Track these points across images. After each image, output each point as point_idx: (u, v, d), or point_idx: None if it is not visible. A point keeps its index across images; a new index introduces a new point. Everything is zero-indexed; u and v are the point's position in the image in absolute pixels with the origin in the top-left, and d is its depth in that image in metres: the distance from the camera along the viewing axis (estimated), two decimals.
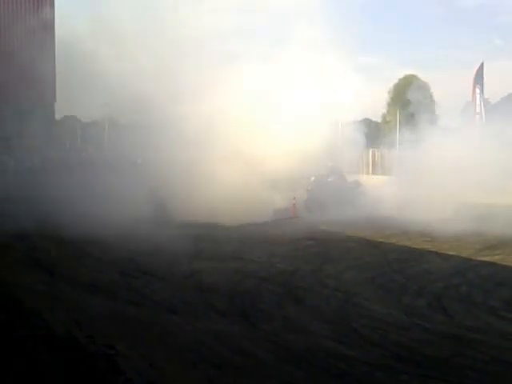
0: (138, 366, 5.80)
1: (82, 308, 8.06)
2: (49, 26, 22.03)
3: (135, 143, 18.34)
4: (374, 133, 31.34)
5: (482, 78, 29.99)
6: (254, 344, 6.76)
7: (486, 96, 30.56)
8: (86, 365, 5.75)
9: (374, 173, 32.20)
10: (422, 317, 8.09)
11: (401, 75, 41.26)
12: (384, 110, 40.68)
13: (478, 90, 29.61)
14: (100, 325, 7.19)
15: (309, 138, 17.69)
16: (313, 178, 20.61)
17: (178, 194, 16.21)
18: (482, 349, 6.79)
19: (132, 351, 6.17)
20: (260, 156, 17.45)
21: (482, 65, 29.78)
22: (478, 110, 29.86)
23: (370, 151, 32.16)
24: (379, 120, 39.92)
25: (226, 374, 5.84)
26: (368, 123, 32.20)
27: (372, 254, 12.74)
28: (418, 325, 7.72)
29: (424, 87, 39.31)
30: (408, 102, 30.54)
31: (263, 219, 17.17)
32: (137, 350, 6.22)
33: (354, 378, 5.88)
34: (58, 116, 28.32)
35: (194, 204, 15.89)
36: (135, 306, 8.24)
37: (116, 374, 5.51)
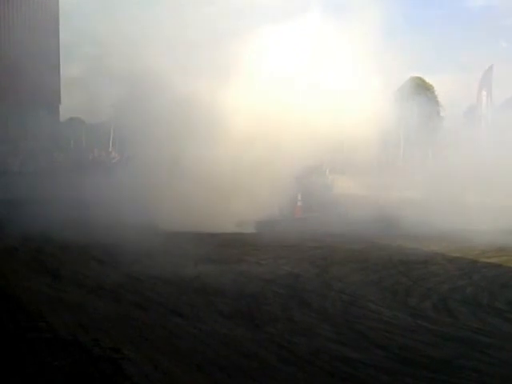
0: (144, 370, 5.79)
1: (86, 311, 8.04)
2: (53, 27, 22.01)
3: (141, 143, 18.17)
4: None
5: (491, 80, 29.76)
6: (258, 346, 6.75)
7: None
8: (91, 368, 5.74)
9: (379, 174, 32.11)
10: (427, 319, 8.07)
11: (406, 77, 41.25)
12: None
13: (484, 93, 29.43)
14: (105, 328, 7.18)
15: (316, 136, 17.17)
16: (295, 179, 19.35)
17: (181, 194, 16.07)
18: (487, 351, 6.77)
19: (137, 354, 6.16)
20: (265, 155, 17.04)
21: (491, 67, 29.54)
22: (483, 112, 29.72)
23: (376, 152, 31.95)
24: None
25: (231, 376, 5.84)
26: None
27: (378, 256, 12.71)
28: (423, 327, 7.70)
29: (429, 89, 39.33)
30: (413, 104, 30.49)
31: (267, 220, 17.13)
32: (142, 353, 6.21)
33: (359, 380, 5.86)
34: (62, 118, 28.38)
35: (197, 204, 15.77)
36: (140, 309, 8.23)
37: (121, 378, 5.50)
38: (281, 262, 11.85)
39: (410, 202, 18.29)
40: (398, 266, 11.68)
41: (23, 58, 20.38)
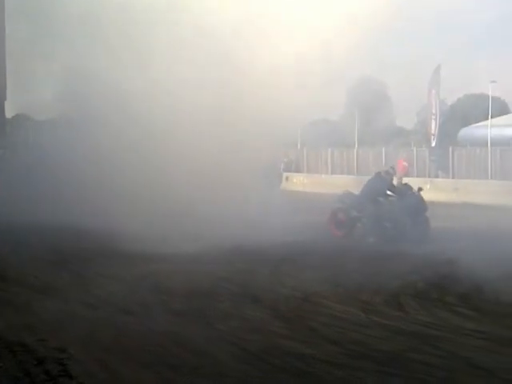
0: (91, 369, 5.68)
1: (34, 311, 7.88)
2: None
3: (93, 141, 17.68)
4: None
5: (439, 80, 30.19)
6: (210, 344, 6.69)
7: (442, 97, 30.76)
8: (36, 369, 5.60)
9: (333, 172, 32.62)
10: (378, 314, 8.13)
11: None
12: (342, 110, 41.00)
13: (433, 91, 29.86)
14: (52, 328, 7.03)
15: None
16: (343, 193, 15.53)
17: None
18: (437, 344, 6.85)
19: (84, 354, 6.04)
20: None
21: (438, 67, 30.00)
22: (433, 111, 30.13)
23: (329, 151, 32.38)
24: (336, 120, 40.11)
25: (181, 374, 5.77)
26: (326, 123, 32.34)
27: (334, 254, 12.71)
28: (374, 322, 7.76)
29: (381, 87, 39.76)
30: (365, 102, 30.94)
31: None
32: (89, 353, 6.10)
33: (312, 376, 5.86)
34: (8, 114, 27.73)
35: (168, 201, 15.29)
36: (89, 308, 8.09)
37: (67, 378, 5.37)
38: (234, 260, 11.75)
39: None
40: (352, 263, 11.71)
41: None
